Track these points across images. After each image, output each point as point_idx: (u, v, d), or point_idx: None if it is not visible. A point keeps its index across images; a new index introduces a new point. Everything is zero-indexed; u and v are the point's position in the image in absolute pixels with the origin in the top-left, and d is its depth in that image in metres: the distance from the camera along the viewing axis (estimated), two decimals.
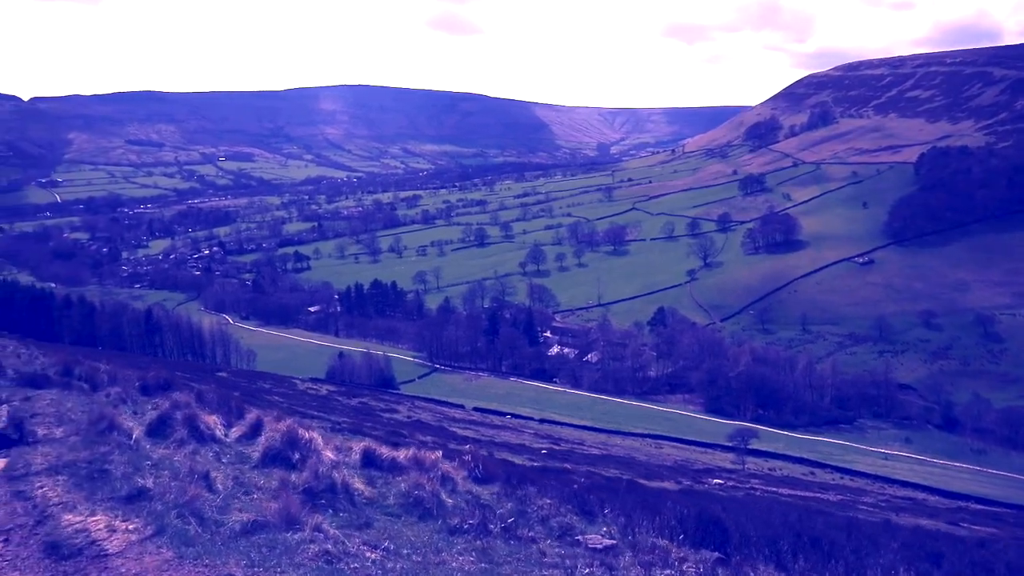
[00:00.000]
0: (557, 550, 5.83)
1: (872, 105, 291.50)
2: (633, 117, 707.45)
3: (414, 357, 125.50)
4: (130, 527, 4.43)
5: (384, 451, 9.91)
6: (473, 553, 5.16)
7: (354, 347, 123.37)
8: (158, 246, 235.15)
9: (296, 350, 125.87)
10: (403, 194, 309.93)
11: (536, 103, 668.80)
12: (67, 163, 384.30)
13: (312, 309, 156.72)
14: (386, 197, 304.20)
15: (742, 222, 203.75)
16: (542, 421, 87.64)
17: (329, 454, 9.22)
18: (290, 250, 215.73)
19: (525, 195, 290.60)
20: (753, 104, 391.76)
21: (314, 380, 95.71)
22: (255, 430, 10.51)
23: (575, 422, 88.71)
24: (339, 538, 4.76)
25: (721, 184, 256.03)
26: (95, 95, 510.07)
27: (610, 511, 7.90)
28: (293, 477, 7.35)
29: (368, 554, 4.66)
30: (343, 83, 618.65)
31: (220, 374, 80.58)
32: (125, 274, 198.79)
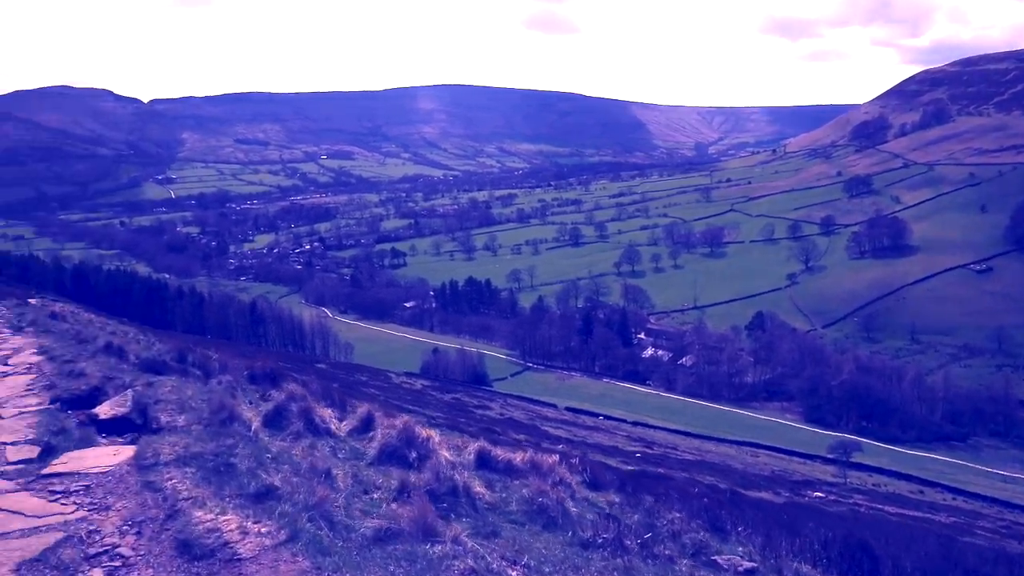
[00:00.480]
0: (699, 572, 5.35)
1: (994, 102, 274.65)
2: (733, 116, 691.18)
3: (507, 355, 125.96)
4: (262, 530, 4.22)
5: (499, 453, 9.60)
6: (615, 573, 4.74)
7: (448, 343, 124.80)
8: (262, 240, 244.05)
9: (392, 344, 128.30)
10: (498, 193, 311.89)
11: (633, 102, 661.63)
12: (181, 161, 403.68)
13: (408, 305, 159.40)
14: (482, 195, 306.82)
15: (846, 225, 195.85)
16: (635, 424, 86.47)
17: (446, 454, 8.97)
18: (387, 246, 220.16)
19: (621, 195, 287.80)
20: (860, 102, 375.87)
21: (409, 374, 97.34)
22: (366, 425, 10.38)
23: (668, 426, 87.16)
24: (479, 552, 4.42)
25: (824, 186, 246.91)
26: (207, 96, 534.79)
27: (744, 529, 7.34)
28: (412, 477, 7.09)
29: (510, 571, 4.30)
30: (440, 83, 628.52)
31: (319, 366, 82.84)
32: (232, 267, 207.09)
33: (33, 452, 6.57)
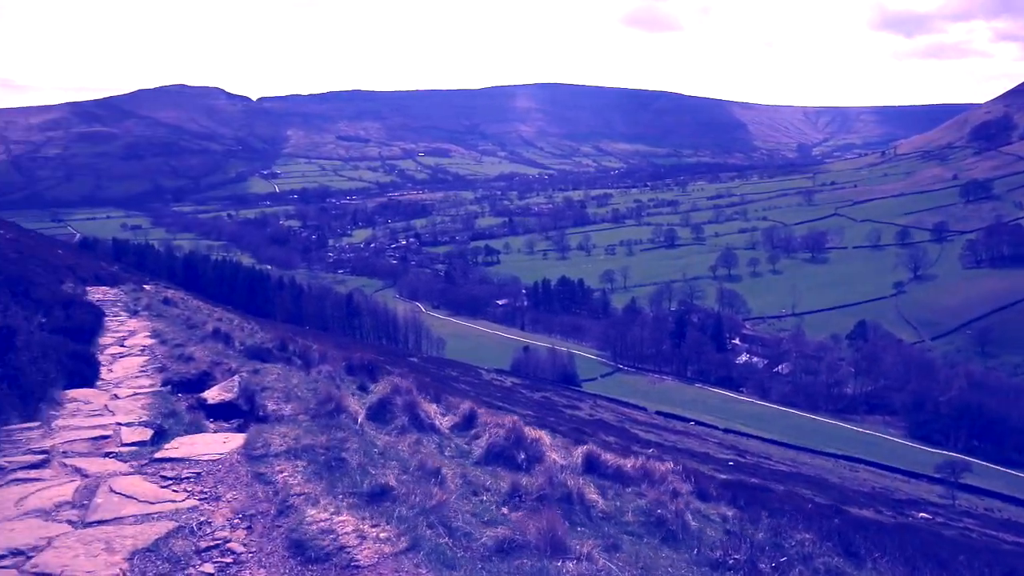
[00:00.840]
0: None
1: None
2: (839, 116, 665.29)
3: (597, 356, 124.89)
4: (380, 535, 3.93)
5: (609, 458, 9.19)
6: None
7: (539, 342, 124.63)
8: (360, 235, 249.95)
9: (482, 341, 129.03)
10: (594, 192, 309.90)
11: (733, 102, 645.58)
12: (285, 157, 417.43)
13: (500, 302, 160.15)
14: (577, 195, 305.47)
15: (962, 232, 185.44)
16: (726, 431, 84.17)
17: (555, 456, 8.62)
18: (481, 244, 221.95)
19: (719, 197, 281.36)
20: (980, 101, 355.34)
21: (499, 371, 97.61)
22: (468, 421, 10.14)
23: (761, 434, 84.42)
24: (611, 571, 4.01)
25: (938, 190, 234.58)
26: (312, 95, 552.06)
27: (880, 555, 6.69)
28: (524, 481, 6.75)
29: None
30: (538, 81, 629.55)
31: (411, 359, 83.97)
32: (330, 260, 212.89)
33: (146, 435, 6.56)
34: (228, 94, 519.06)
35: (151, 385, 10.82)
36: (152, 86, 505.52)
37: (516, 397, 71.97)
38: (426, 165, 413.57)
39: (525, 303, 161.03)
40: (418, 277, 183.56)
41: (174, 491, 5.10)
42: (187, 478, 5.34)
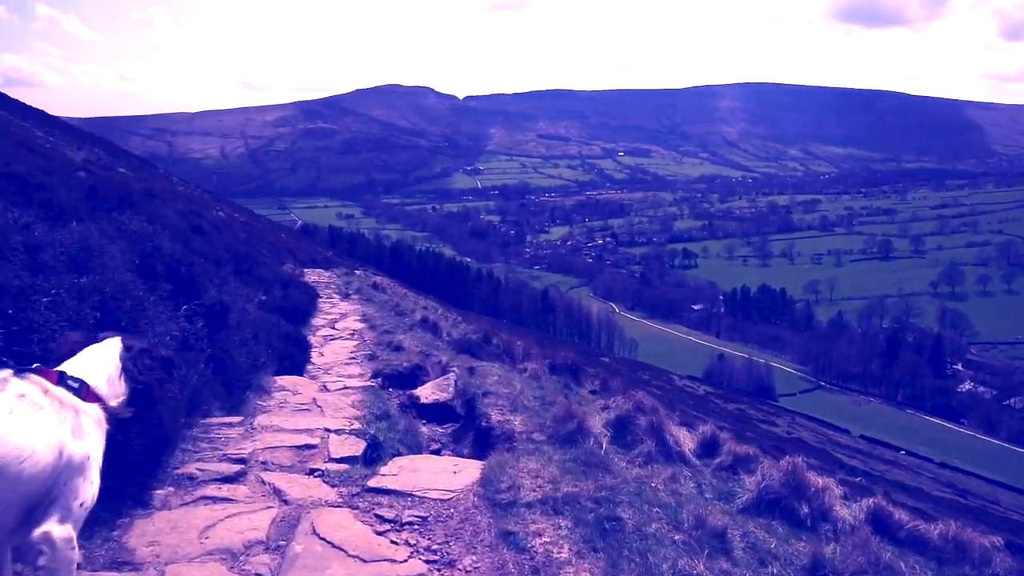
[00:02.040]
0: None
1: None
2: None
3: (797, 370, 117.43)
4: None
5: (903, 517, 7.08)
6: None
7: (734, 350, 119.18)
8: (557, 233, 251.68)
9: (675, 345, 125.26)
10: (800, 197, 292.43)
11: (966, 101, 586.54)
12: (487, 154, 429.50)
13: (695, 307, 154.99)
14: (782, 200, 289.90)
15: None
16: (942, 465, 75.67)
17: (843, 511, 6.66)
18: (678, 246, 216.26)
19: (943, 206, 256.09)
20: None
21: (691, 378, 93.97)
22: (709, 448, 8.37)
23: (986, 475, 75.01)
24: None
25: None
26: (515, 94, 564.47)
27: None
28: (827, 550, 4.92)
29: None
30: (742, 81, 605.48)
31: (603, 359, 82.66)
32: (527, 256, 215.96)
33: (357, 448, 5.40)
34: (437, 93, 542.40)
35: (361, 376, 9.96)
36: (369, 86, 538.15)
37: (709, 407, 68.64)
38: (625, 165, 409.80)
39: (722, 309, 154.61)
40: (613, 277, 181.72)
41: (393, 542, 3.81)
42: (410, 524, 4.04)
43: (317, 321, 16.43)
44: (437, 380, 9.33)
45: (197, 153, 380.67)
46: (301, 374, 9.37)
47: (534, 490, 4.18)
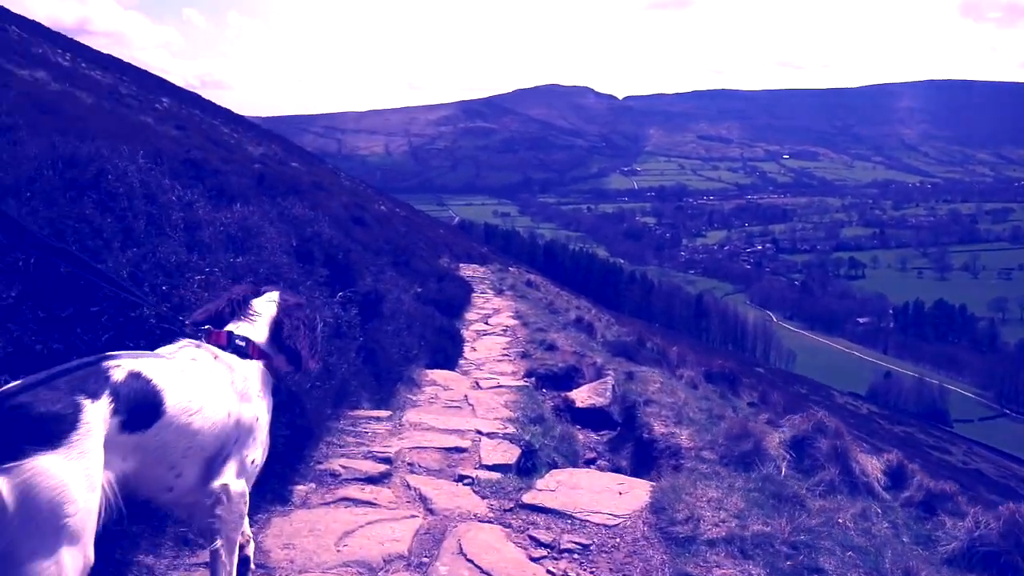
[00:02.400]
0: None
1: None
2: None
3: (976, 395, 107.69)
4: None
5: None
6: None
7: (902, 369, 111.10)
8: (714, 237, 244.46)
9: (837, 360, 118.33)
10: (989, 206, 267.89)
11: None
12: (645, 155, 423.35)
13: (861, 320, 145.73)
14: (966, 208, 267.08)
15: None
16: None
17: None
18: (844, 255, 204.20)
19: None
20: None
21: (853, 396, 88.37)
22: (896, 479, 7.32)
23: None
24: None
25: None
26: (675, 94, 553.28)
27: None
28: None
29: None
30: (924, 78, 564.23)
31: (758, 369, 79.16)
32: (682, 259, 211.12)
33: (511, 454, 4.94)
34: (596, 93, 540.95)
35: (514, 374, 9.58)
36: (529, 86, 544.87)
37: (872, 427, 64.09)
38: (790, 168, 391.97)
39: (891, 324, 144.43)
40: (771, 285, 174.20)
41: (550, 572, 3.28)
42: (569, 551, 3.50)
43: (470, 316, 16.38)
44: (593, 384, 8.78)
45: (363, 151, 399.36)
46: (453, 368, 9.10)
47: (717, 525, 3.53)
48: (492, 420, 5.95)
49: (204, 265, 4.39)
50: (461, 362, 10.41)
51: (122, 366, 2.28)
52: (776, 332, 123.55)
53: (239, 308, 2.98)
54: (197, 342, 2.73)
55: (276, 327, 2.97)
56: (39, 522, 1.89)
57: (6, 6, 45.88)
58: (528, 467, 4.89)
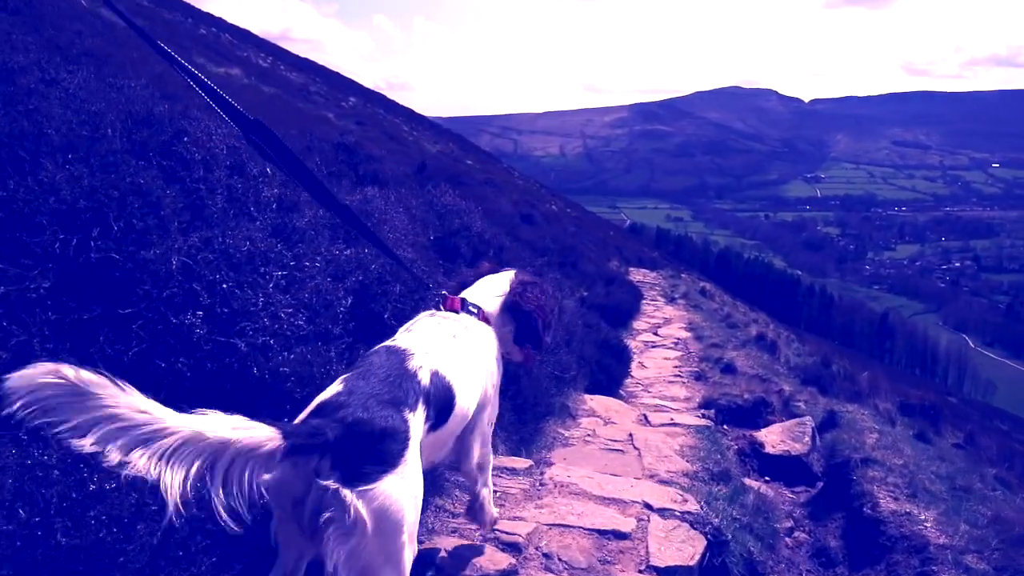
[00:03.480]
0: None
1: None
2: None
3: None
4: None
5: None
6: None
7: None
8: (904, 251, 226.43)
9: None
10: None
11: None
12: (830, 161, 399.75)
13: None
14: None
15: None
16: None
17: None
18: None
19: None
20: None
21: None
22: None
23: None
24: None
25: None
26: (866, 96, 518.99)
27: None
28: None
29: None
30: None
31: (949, 398, 71.55)
32: (866, 273, 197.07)
33: (691, 548, 3.46)
34: (780, 95, 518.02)
35: (687, 400, 8.10)
36: (708, 88, 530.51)
37: None
38: (999, 178, 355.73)
39: None
40: (969, 306, 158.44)
41: None
42: None
43: (639, 324, 15.26)
44: (787, 424, 7.13)
45: (539, 151, 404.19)
46: (616, 391, 7.74)
47: None
48: (664, 476, 4.55)
49: (290, 258, 3.31)
50: (627, 381, 9.07)
51: (424, 367, 2.38)
52: (973, 359, 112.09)
53: (476, 282, 3.18)
54: (442, 313, 2.85)
55: (509, 303, 3.08)
56: (388, 541, 2.02)
57: (222, 17, 51.53)
58: (715, 566, 3.48)
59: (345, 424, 1.99)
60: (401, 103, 65.10)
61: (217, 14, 52.29)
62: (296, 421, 2.10)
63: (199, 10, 49.93)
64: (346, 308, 3.42)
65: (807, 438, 6.75)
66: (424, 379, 2.33)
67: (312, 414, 2.09)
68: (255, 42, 50.13)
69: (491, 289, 3.09)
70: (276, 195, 3.73)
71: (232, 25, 51.96)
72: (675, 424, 6.14)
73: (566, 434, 5.38)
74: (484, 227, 6.90)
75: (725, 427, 7.18)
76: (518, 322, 3.07)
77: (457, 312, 2.87)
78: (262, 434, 1.80)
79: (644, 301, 18.61)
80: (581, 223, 40.33)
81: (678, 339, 13.69)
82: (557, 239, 20.75)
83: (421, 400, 2.27)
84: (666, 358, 11.80)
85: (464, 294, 3.02)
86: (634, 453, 5.11)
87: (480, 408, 2.82)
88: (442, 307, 2.90)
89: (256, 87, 24.75)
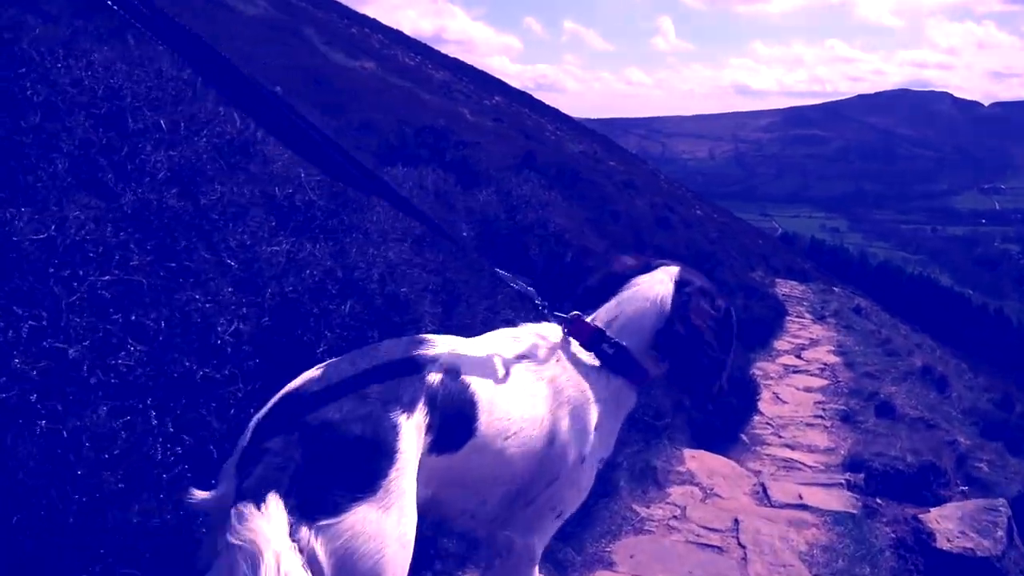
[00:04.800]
0: None
1: None
2: None
3: None
4: None
5: None
6: None
7: None
8: None
9: None
10: None
11: None
12: (1013, 169, 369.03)
13: None
14: None
15: None
16: None
17: None
18: None
19: None
20: None
21: None
22: None
23: None
24: None
25: None
26: None
27: None
28: None
29: None
30: None
31: None
32: None
33: None
34: (955, 99, 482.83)
35: (827, 456, 6.34)
36: (872, 91, 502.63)
37: None
38: None
39: None
40: None
41: None
42: None
43: (780, 344, 13.60)
44: (969, 506, 5.26)
45: (686, 155, 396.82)
46: (736, 436, 6.09)
47: None
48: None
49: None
50: (755, 419, 7.39)
51: (440, 361, 1.79)
52: None
53: (615, 288, 2.19)
54: (546, 335, 2.06)
55: (667, 323, 2.11)
56: None
57: (376, 18, 54.36)
58: None
59: (307, 431, 1.51)
60: (548, 103, 65.78)
61: (372, 16, 55.28)
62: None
63: (353, 11, 52.29)
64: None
65: (1000, 532, 4.88)
66: (432, 376, 1.73)
67: (272, 409, 1.60)
68: (405, 42, 52.09)
69: (639, 304, 2.10)
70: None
71: (385, 26, 54.45)
72: (804, 506, 4.45)
73: (643, 513, 3.84)
74: (565, 224, 5.48)
75: (878, 501, 5.38)
76: (675, 354, 2.10)
77: (585, 345, 2.00)
78: None
79: (788, 318, 16.83)
80: (725, 229, 38.65)
81: (825, 365, 11.90)
82: (693, 244, 19.66)
83: (422, 400, 1.68)
84: (808, 388, 10.02)
85: (599, 318, 2.09)
86: (738, 553, 3.53)
87: (546, 477, 1.94)
88: (564, 332, 2.04)
89: (383, 78, 24.66)
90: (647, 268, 2.25)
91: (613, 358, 2.04)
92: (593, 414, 2.01)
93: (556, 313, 2.10)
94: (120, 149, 2.35)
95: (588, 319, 2.10)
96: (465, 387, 1.79)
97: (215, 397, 2.06)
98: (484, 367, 1.86)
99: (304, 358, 2.36)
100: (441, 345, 1.85)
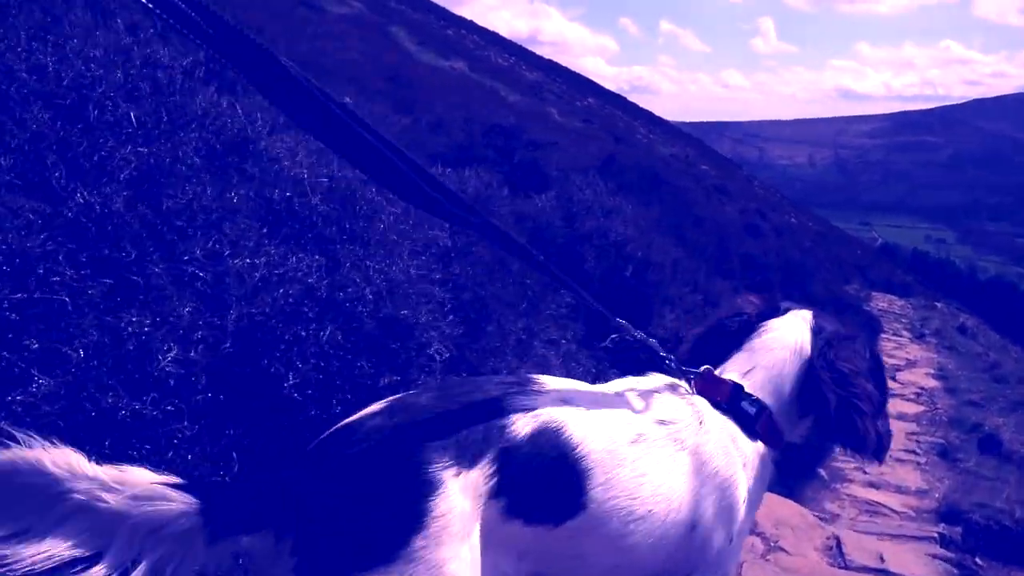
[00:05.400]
0: None
1: None
2: None
3: None
4: None
5: None
6: None
7: None
8: None
9: None
10: None
11: None
12: None
13: None
14: None
15: None
16: None
17: None
18: None
19: None
20: None
21: None
22: None
23: None
24: None
25: None
26: None
27: None
28: None
29: None
30: None
31: None
32: None
33: None
34: None
35: (919, 500, 5.68)
36: (990, 95, 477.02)
37: None
38: None
39: None
40: None
41: None
42: None
43: None
44: None
45: (784, 160, 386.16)
46: (808, 480, 5.51)
47: None
48: None
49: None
50: (835, 451, 6.74)
51: (538, 408, 1.47)
52: None
53: (745, 335, 1.89)
54: (684, 390, 1.74)
55: (808, 376, 1.82)
56: None
57: (473, 20, 54.97)
58: None
59: (328, 477, 1.27)
60: (643, 106, 65.27)
61: (469, 17, 55.61)
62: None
63: (451, 13, 53.10)
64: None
65: None
66: (519, 425, 1.41)
67: (319, 445, 1.37)
68: (500, 43, 52.54)
69: (777, 358, 1.79)
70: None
71: (481, 28, 55.21)
72: (885, 572, 3.87)
73: None
74: (629, 233, 5.03)
75: (978, 562, 4.70)
76: (824, 407, 1.76)
77: (722, 406, 1.69)
78: (172, 506, 1.17)
79: (883, 335, 16.04)
80: (820, 238, 37.21)
81: (922, 389, 11.23)
82: (783, 253, 18.91)
83: (490, 455, 1.36)
84: (901, 415, 9.28)
85: (731, 371, 1.78)
86: None
87: (683, 569, 1.60)
88: (692, 389, 1.72)
89: (471, 79, 24.69)
90: (775, 311, 1.94)
91: (755, 419, 1.72)
92: (743, 487, 1.67)
93: (684, 368, 1.74)
94: (78, 145, 2.07)
95: (717, 371, 1.78)
96: (571, 447, 1.43)
97: (147, 437, 1.74)
98: (604, 425, 1.50)
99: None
100: (549, 390, 1.51)
